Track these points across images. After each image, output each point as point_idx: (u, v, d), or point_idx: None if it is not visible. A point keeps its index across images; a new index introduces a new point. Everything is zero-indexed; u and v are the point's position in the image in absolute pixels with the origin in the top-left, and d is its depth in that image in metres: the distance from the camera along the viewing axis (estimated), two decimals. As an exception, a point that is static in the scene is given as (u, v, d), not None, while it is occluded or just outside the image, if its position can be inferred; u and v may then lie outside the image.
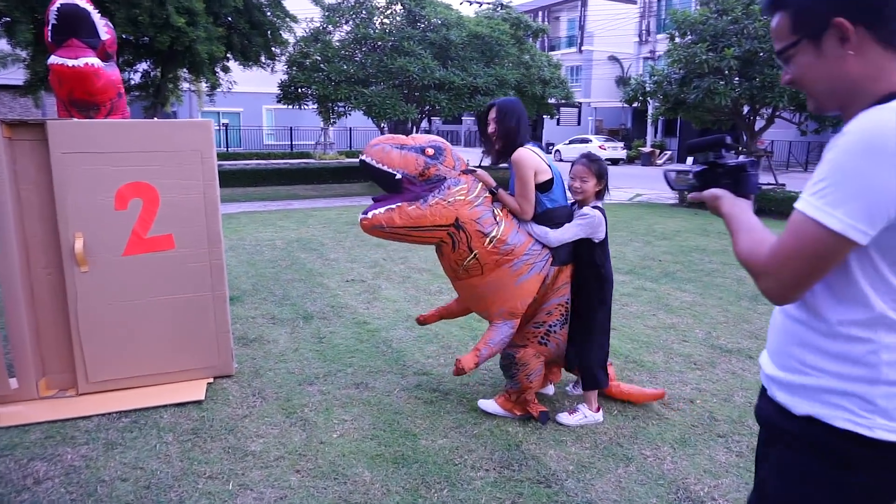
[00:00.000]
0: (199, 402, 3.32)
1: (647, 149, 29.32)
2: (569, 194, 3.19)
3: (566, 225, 3.07)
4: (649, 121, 30.12)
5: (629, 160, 29.24)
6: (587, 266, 3.13)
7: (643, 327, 4.71)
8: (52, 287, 3.35)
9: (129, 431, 3.02)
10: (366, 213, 2.85)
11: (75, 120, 3.41)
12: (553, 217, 3.08)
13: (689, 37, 12.39)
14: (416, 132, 17.93)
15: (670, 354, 4.14)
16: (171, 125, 3.39)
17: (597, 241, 3.10)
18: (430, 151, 2.88)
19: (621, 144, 29.68)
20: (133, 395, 3.36)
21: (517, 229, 3.02)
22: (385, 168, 2.81)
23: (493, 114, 3.09)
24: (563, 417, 3.18)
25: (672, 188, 1.76)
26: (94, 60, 3.44)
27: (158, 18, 11.77)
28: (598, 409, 3.20)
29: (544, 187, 3.04)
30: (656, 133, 30.97)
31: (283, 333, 4.47)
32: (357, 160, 24.83)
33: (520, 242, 2.98)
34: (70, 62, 3.37)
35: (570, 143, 30.09)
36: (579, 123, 36.76)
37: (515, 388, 3.13)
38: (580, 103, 32.18)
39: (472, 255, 2.93)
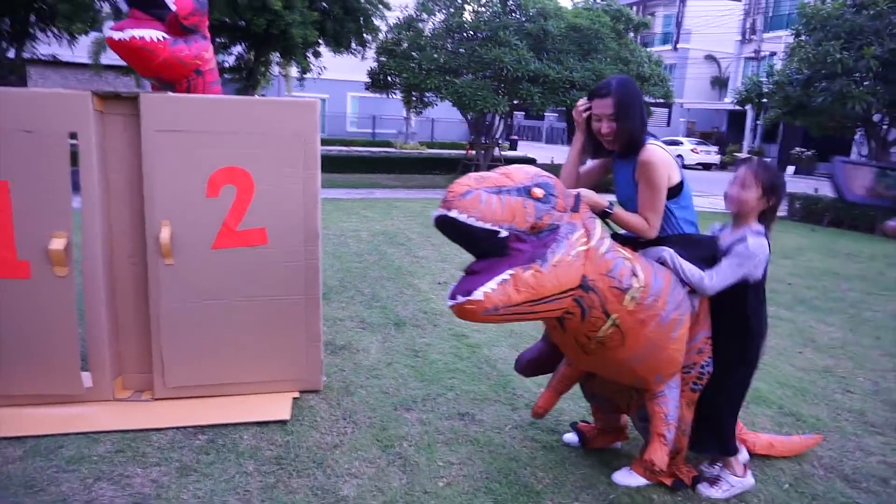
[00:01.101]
0: (283, 423, 2.90)
1: (744, 155, 27.46)
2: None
3: (722, 264, 2.36)
4: (750, 124, 28.19)
5: (722, 166, 27.48)
6: (732, 312, 2.42)
7: (791, 368, 3.97)
8: (135, 278, 3.02)
9: (206, 453, 2.63)
10: (467, 292, 1.94)
11: (170, 94, 3.06)
12: (695, 247, 2.41)
13: (819, 33, 11.15)
14: (502, 127, 17.31)
15: (836, 409, 3.40)
16: (273, 104, 2.98)
17: (752, 281, 2.38)
18: (539, 193, 2.02)
19: (715, 149, 27.97)
20: (212, 408, 2.98)
21: (654, 269, 2.26)
22: (485, 226, 1.92)
23: (609, 107, 2.33)
24: (705, 489, 2.54)
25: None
26: (144, 33, 3.01)
27: (256, 1, 11.70)
28: (745, 472, 2.58)
29: (673, 192, 2.38)
30: (755, 138, 28.97)
31: (375, 342, 4.02)
32: (438, 152, 24.36)
33: (661, 286, 2.23)
34: (116, 35, 2.99)
35: (660, 144, 28.63)
36: (669, 124, 34.99)
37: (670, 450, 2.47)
38: (671, 103, 30.59)
39: (611, 322, 2.15)
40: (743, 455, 2.64)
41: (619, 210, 2.38)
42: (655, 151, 2.33)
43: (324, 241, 6.99)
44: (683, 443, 2.53)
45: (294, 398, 3.13)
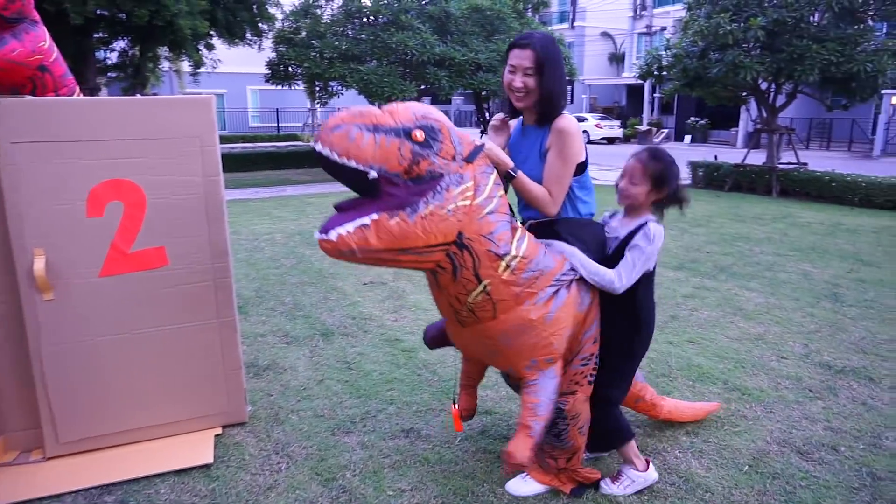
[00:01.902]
0: (206, 468, 2.54)
1: (644, 127, 28.62)
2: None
3: (627, 259, 2.18)
4: (647, 97, 29.33)
5: (626, 139, 28.53)
6: (622, 305, 2.25)
7: (725, 339, 3.99)
8: (8, 319, 2.54)
9: (116, 518, 2.25)
10: (325, 230, 1.83)
11: (30, 98, 2.58)
12: (579, 232, 2.25)
13: (709, 6, 11.57)
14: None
15: (775, 378, 3.43)
16: (160, 104, 2.57)
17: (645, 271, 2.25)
18: (420, 135, 1.86)
19: (617, 123, 28.95)
20: (119, 461, 2.58)
21: (543, 247, 2.14)
22: (352, 164, 1.79)
23: (528, 60, 2.12)
24: (606, 485, 2.40)
25: None
26: None
27: (135, -10, 10.76)
28: (646, 466, 2.41)
29: (579, 169, 2.23)
30: (653, 111, 30.23)
31: (302, 357, 3.69)
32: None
33: (549, 267, 2.10)
34: None
35: (566, 122, 29.30)
36: (572, 101, 35.93)
37: (565, 449, 2.28)
38: (573, 81, 31.29)
39: (482, 287, 2.00)
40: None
41: (523, 176, 2.17)
42: (574, 121, 2.21)
43: (235, 248, 6.51)
44: (580, 442, 2.30)
45: (217, 436, 2.78)
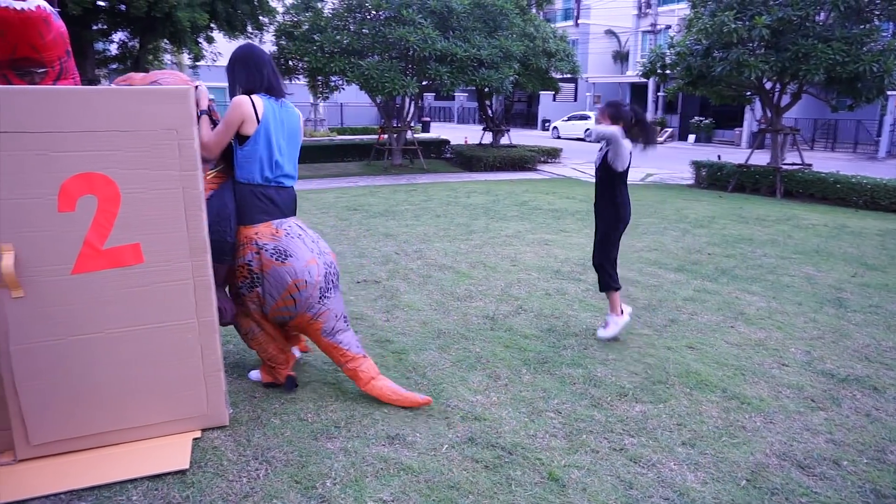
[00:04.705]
0: (182, 473, 2.44)
1: (648, 126, 28.41)
2: None
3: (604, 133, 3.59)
4: (651, 96, 29.14)
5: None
6: (605, 196, 3.75)
7: (726, 345, 3.88)
8: (-24, 317, 2.44)
9: (83, 527, 2.15)
10: None
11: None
12: (230, 197, 2.88)
13: (713, 4, 11.42)
14: (413, 108, 16.90)
15: (776, 386, 3.32)
16: (135, 94, 2.46)
17: (617, 170, 3.62)
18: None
19: (621, 122, 28.68)
20: (91, 464, 2.47)
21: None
22: None
23: None
24: (601, 332, 3.85)
25: None
26: (45, 3, 2.55)
27: (134, -19, 10.66)
28: (621, 312, 3.83)
29: (240, 140, 2.82)
30: (657, 110, 30.04)
31: (288, 358, 3.58)
32: (350, 138, 23.61)
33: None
34: (17, 4, 2.45)
35: (569, 119, 29.13)
36: (576, 99, 35.79)
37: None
38: (577, 78, 31.08)
39: None
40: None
41: (205, 119, 2.78)
42: (239, 99, 2.78)
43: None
44: (252, 345, 3.12)
45: (195, 439, 2.68)
